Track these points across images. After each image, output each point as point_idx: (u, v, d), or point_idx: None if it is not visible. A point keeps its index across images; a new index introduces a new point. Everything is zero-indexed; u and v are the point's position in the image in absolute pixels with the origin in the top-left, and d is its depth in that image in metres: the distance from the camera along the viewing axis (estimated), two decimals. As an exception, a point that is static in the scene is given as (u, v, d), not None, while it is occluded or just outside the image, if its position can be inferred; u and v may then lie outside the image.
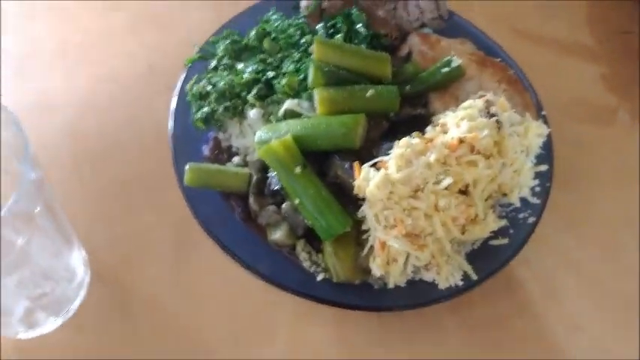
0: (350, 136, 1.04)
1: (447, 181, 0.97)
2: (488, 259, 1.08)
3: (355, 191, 1.00)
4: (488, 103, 1.08)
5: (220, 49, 1.26)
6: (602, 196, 1.27)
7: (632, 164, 1.33)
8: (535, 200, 1.13)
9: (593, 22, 1.62)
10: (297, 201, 1.01)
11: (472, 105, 1.06)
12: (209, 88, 1.19)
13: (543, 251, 1.18)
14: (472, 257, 1.08)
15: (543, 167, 1.14)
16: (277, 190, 1.05)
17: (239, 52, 1.26)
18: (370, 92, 1.07)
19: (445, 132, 1.04)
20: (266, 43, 1.25)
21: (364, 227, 1.03)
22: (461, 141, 1.00)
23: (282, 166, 1.01)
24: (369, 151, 1.10)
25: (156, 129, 1.27)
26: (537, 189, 1.14)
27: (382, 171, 0.98)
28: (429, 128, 1.07)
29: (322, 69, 1.10)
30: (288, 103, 1.11)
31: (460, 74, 1.15)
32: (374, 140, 1.11)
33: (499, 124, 1.03)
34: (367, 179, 0.99)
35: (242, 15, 1.35)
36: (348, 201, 1.03)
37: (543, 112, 1.24)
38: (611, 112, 1.44)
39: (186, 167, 1.08)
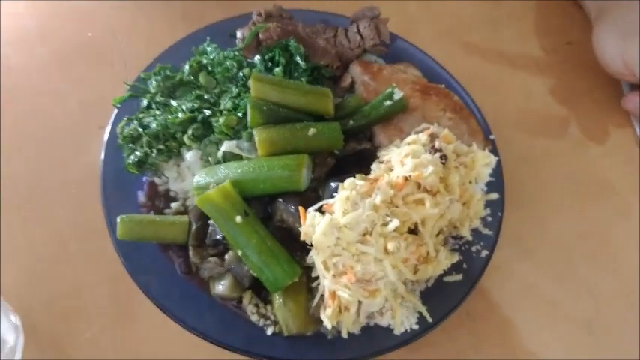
0: (294, 179, 0.98)
1: (395, 224, 0.93)
2: (443, 296, 1.05)
3: (302, 238, 0.95)
4: (432, 137, 1.04)
5: (152, 85, 1.18)
6: (554, 216, 1.26)
7: (582, 179, 1.32)
8: (487, 231, 1.10)
9: (540, 33, 1.61)
10: (239, 252, 0.95)
11: (416, 140, 1.03)
12: (140, 130, 1.11)
13: (499, 280, 1.16)
14: (427, 295, 1.04)
15: (494, 196, 1.12)
16: (219, 239, 0.99)
17: (173, 88, 1.18)
18: (312, 131, 1.02)
19: (390, 170, 1.00)
20: (202, 78, 1.18)
21: (314, 274, 0.98)
22: (406, 179, 0.96)
23: (221, 216, 0.95)
24: (315, 190, 1.05)
25: (89, 173, 1.17)
26: (489, 219, 1.12)
27: (328, 216, 0.93)
28: (374, 166, 1.03)
29: (260, 108, 1.04)
30: (227, 145, 1.05)
31: (403, 107, 1.11)
32: (320, 179, 1.06)
33: (444, 159, 1.00)
34: (313, 225, 0.94)
35: (176, 46, 1.27)
36: (297, 246, 0.98)
37: (492, 137, 1.22)
38: (561, 125, 1.44)
39: (118, 220, 1.01)
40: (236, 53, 1.19)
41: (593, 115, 1.45)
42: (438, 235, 1.04)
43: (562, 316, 1.15)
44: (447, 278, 1.06)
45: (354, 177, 0.99)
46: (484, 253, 1.09)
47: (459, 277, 1.06)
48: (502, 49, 1.56)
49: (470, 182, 1.07)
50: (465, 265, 1.07)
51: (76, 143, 1.25)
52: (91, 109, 1.30)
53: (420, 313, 1.01)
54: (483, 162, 1.07)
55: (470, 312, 1.12)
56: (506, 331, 1.12)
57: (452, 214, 1.01)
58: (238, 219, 0.94)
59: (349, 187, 0.95)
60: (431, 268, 1.00)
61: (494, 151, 1.20)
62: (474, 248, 1.10)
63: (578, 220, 1.26)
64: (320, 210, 0.97)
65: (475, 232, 1.11)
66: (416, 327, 1.00)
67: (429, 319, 1.00)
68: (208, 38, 1.26)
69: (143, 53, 1.30)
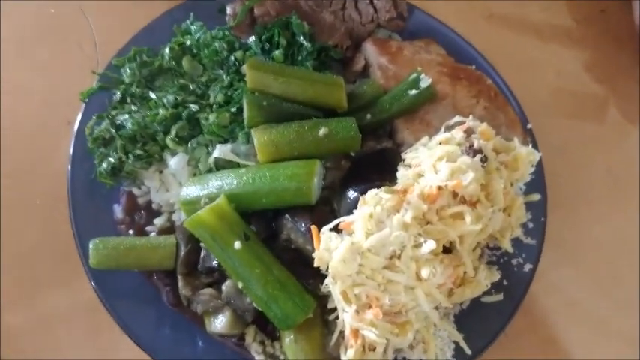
0: (303, 191, 0.80)
1: (430, 245, 0.76)
2: (482, 320, 0.90)
3: (316, 264, 0.78)
4: (469, 133, 0.86)
5: (127, 74, 0.98)
6: (596, 216, 1.11)
7: (624, 171, 1.16)
8: (529, 240, 0.94)
9: (571, 1, 1.41)
10: (240, 284, 0.78)
11: (449, 138, 0.85)
12: (113, 131, 0.92)
13: (540, 292, 1.01)
14: (462, 320, 0.89)
15: (536, 197, 0.95)
16: (214, 266, 0.81)
17: (151, 76, 0.98)
18: (323, 130, 0.84)
19: (419, 176, 0.82)
20: (185, 63, 0.98)
21: (330, 305, 0.81)
22: (440, 189, 0.79)
23: (216, 241, 0.77)
24: (327, 201, 0.88)
25: (58, 181, 0.99)
26: (530, 225, 0.96)
27: (348, 238, 0.76)
28: (400, 172, 0.84)
29: (259, 103, 0.85)
30: (219, 151, 0.86)
31: (430, 96, 0.93)
32: (333, 186, 0.88)
33: (484, 162, 0.82)
34: (329, 249, 0.77)
35: (154, 25, 1.06)
36: (309, 271, 0.81)
37: (529, 126, 1.05)
38: (599, 105, 1.26)
39: (90, 245, 0.83)
40: (226, 33, 0.99)
41: (633, 93, 1.27)
42: (474, 249, 0.87)
43: (609, 333, 1.01)
44: (486, 299, 0.90)
45: (376, 186, 0.81)
46: (527, 266, 0.93)
47: (499, 296, 0.90)
48: (529, 20, 1.36)
49: (511, 184, 0.90)
50: (505, 282, 0.92)
51: (41, 145, 1.06)
52: (57, 101, 1.10)
53: (457, 343, 0.86)
54: (527, 160, 0.90)
55: (507, 330, 0.97)
56: (548, 351, 0.98)
57: (494, 226, 0.84)
58: (237, 244, 0.76)
59: (373, 202, 0.78)
60: (469, 290, 0.84)
61: (534, 144, 1.03)
62: (514, 261, 0.94)
63: (622, 222, 1.12)
64: (336, 228, 0.79)
65: (514, 240, 0.94)
66: (452, 360, 0.84)
67: (468, 351, 0.84)
68: (192, 14, 1.05)
69: (117, 33, 1.09)
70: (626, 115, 1.24)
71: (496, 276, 0.88)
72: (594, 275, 1.05)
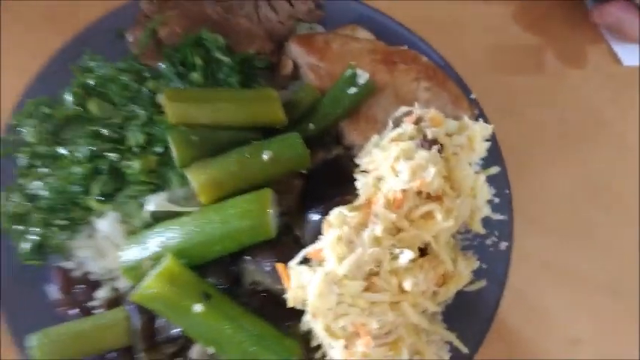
0: (261, 227, 0.72)
1: (408, 255, 0.70)
2: (470, 312, 0.86)
3: (290, 304, 0.71)
4: (418, 122, 0.81)
5: (29, 132, 0.84)
6: (554, 172, 1.09)
7: (571, 116, 1.15)
8: (499, 216, 0.90)
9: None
10: (211, 349, 0.69)
11: (401, 134, 0.78)
12: (28, 203, 0.79)
13: (519, 263, 0.97)
14: (451, 316, 0.85)
15: (495, 170, 0.91)
16: (176, 334, 0.72)
17: (57, 129, 0.85)
18: (267, 154, 0.75)
19: (380, 180, 0.76)
20: (93, 106, 0.85)
21: (314, 343, 0.74)
22: (404, 191, 0.73)
23: (172, 310, 0.68)
24: (288, 230, 0.80)
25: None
26: (496, 200, 0.92)
27: (320, 270, 0.69)
28: (359, 181, 0.78)
29: (187, 139, 0.75)
30: (154, 203, 0.76)
31: (371, 90, 0.86)
32: (290, 211, 0.80)
33: (441, 151, 0.77)
34: (302, 285, 0.70)
35: (47, 69, 0.92)
36: (283, 312, 0.73)
37: (472, 96, 1.00)
38: (535, 55, 1.23)
39: (32, 343, 0.71)
40: (132, 62, 0.87)
41: (564, 36, 1.26)
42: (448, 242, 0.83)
43: (589, 286, 1.00)
44: (469, 287, 0.86)
45: (337, 202, 0.74)
46: (503, 244, 0.90)
47: (482, 283, 0.86)
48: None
49: (470, 164, 0.85)
50: (484, 266, 0.88)
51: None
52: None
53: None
54: (481, 136, 0.85)
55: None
56: (535, 319, 0.97)
57: (464, 214, 0.80)
58: (197, 308, 0.67)
59: (338, 223, 0.71)
60: (453, 286, 0.80)
61: (482, 115, 0.99)
62: (489, 241, 0.90)
63: (580, 170, 1.10)
64: (305, 259, 0.72)
65: (483, 218, 0.90)
66: (451, 361, 0.80)
67: (464, 350, 0.81)
68: (88, 49, 0.91)
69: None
70: (562, 59, 1.23)
71: (475, 263, 0.84)
72: (562, 233, 1.04)
